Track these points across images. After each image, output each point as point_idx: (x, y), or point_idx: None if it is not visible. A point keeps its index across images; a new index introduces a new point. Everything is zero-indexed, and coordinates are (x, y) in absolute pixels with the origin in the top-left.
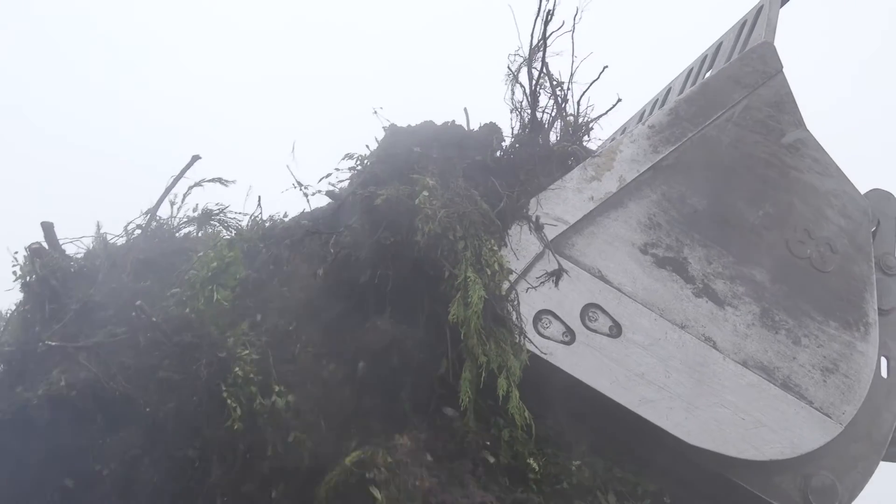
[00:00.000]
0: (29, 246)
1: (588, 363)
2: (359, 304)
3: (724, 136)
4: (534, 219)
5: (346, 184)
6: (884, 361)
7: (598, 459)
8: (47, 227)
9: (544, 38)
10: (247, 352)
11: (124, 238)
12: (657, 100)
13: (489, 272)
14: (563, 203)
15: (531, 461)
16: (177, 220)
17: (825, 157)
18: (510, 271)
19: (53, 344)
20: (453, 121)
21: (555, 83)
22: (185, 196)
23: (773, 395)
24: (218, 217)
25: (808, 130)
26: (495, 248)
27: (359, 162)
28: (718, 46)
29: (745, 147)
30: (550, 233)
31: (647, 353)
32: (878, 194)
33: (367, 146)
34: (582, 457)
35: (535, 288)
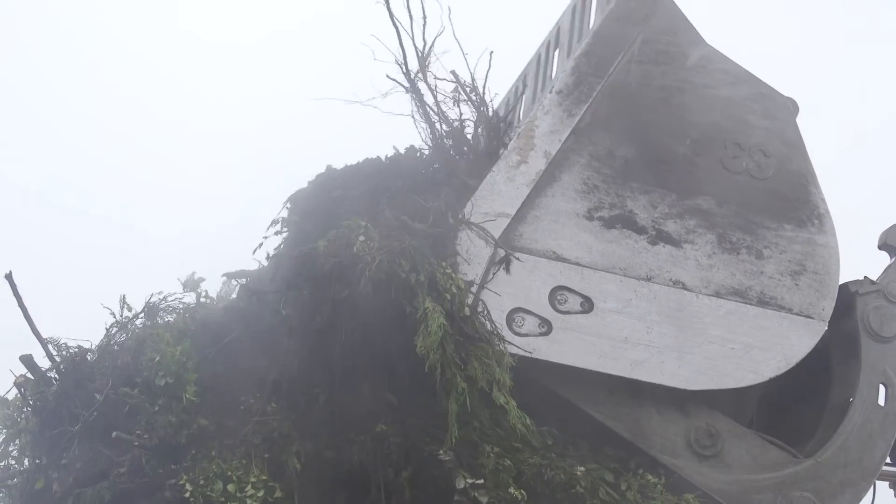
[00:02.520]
0: (15, 381)
1: (571, 346)
2: (341, 378)
3: (631, 77)
4: (474, 223)
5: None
6: (882, 389)
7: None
8: (27, 361)
9: (424, 44)
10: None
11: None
12: (548, 41)
13: (448, 296)
14: (498, 197)
15: (513, 490)
16: (131, 323)
17: (733, 66)
18: (469, 288)
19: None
20: (377, 156)
21: (462, 84)
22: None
23: (753, 316)
24: (164, 307)
25: (708, 45)
26: (448, 269)
27: (283, 225)
28: None
29: (654, 81)
30: (495, 230)
31: (624, 316)
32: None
33: (287, 206)
34: (584, 461)
35: (498, 294)
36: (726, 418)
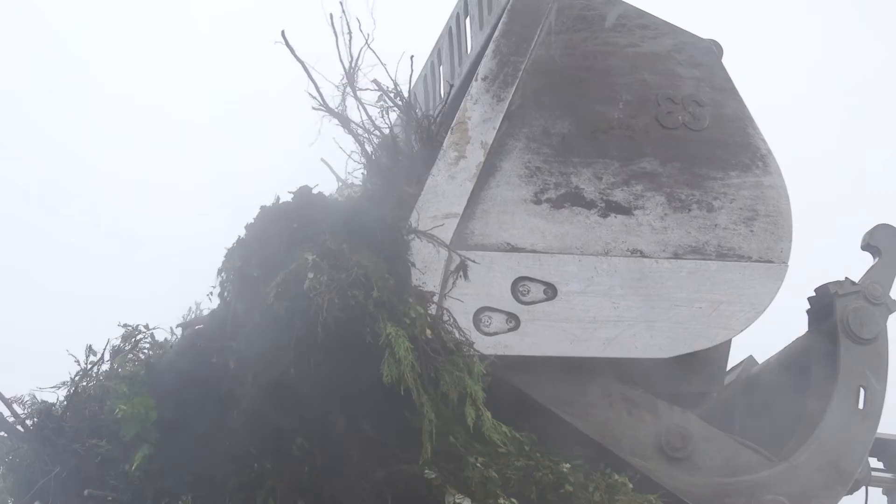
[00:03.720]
0: None
1: (542, 336)
2: (312, 417)
3: (553, 49)
4: (423, 231)
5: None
6: (861, 392)
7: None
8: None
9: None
10: None
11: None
12: (457, 12)
13: (408, 321)
14: (443, 198)
15: (503, 501)
16: (96, 369)
17: (651, 20)
18: (427, 306)
19: None
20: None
21: (386, 91)
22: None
23: (714, 271)
24: (128, 348)
25: (623, 2)
26: (406, 297)
27: (227, 273)
28: None
29: (577, 50)
30: (446, 233)
31: (588, 295)
32: (885, 230)
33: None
34: (571, 458)
35: (460, 300)
36: (699, 420)
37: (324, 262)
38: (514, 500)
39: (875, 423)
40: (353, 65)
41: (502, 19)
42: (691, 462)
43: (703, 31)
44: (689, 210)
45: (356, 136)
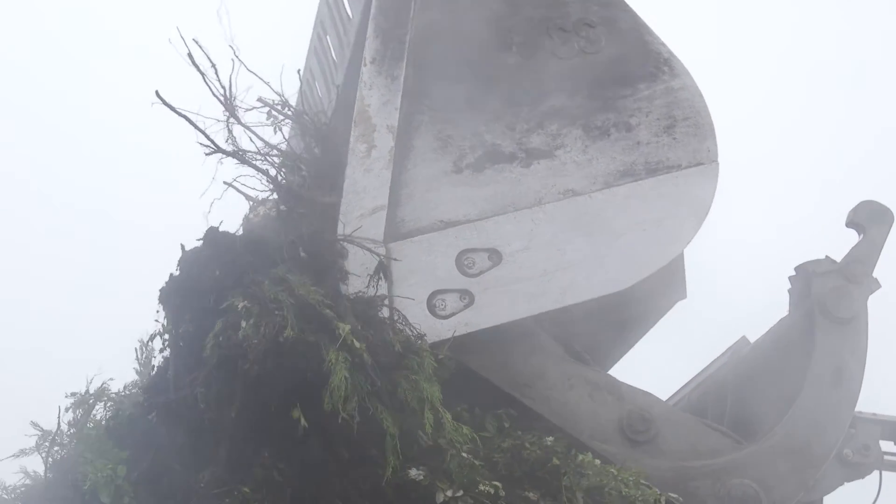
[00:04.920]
0: None
1: (499, 303)
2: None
3: (433, 11)
4: (351, 236)
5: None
6: (838, 373)
7: None
8: None
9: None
10: None
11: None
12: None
13: (349, 340)
14: (364, 194)
15: (484, 486)
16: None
17: None
18: (358, 326)
19: None
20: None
21: (273, 106)
22: None
23: (649, 189)
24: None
25: None
26: (341, 322)
27: (164, 336)
28: None
29: (457, 5)
30: (376, 229)
31: (532, 250)
32: (868, 206)
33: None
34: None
35: (409, 298)
36: (663, 402)
37: (255, 306)
38: (497, 483)
39: (852, 405)
40: (228, 95)
41: None
42: (654, 445)
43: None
44: (609, 135)
45: (255, 167)
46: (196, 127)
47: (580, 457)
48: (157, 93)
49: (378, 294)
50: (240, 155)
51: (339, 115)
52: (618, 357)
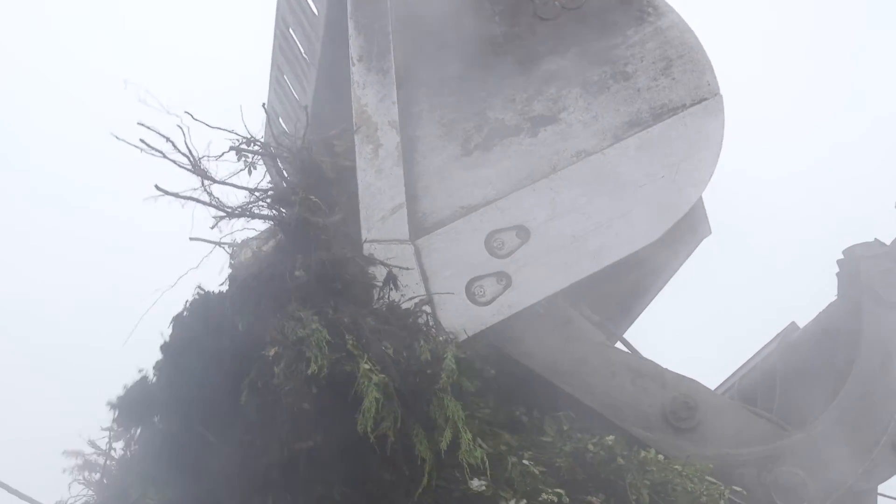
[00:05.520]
0: None
1: (537, 278)
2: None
3: None
4: (374, 239)
5: None
6: (887, 358)
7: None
8: None
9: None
10: None
11: None
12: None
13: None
14: (380, 195)
15: (547, 495)
16: None
17: None
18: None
19: None
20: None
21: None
22: None
23: (658, 135)
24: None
25: None
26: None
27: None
28: None
29: None
30: (399, 227)
31: (558, 219)
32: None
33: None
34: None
35: (448, 293)
36: (707, 389)
37: (283, 351)
38: (559, 490)
39: None
40: (193, 158)
41: None
42: (698, 433)
43: None
44: (608, 88)
45: (262, 216)
46: (205, 202)
47: (643, 453)
48: (156, 186)
49: (414, 296)
50: (247, 211)
51: (315, 126)
52: (646, 304)
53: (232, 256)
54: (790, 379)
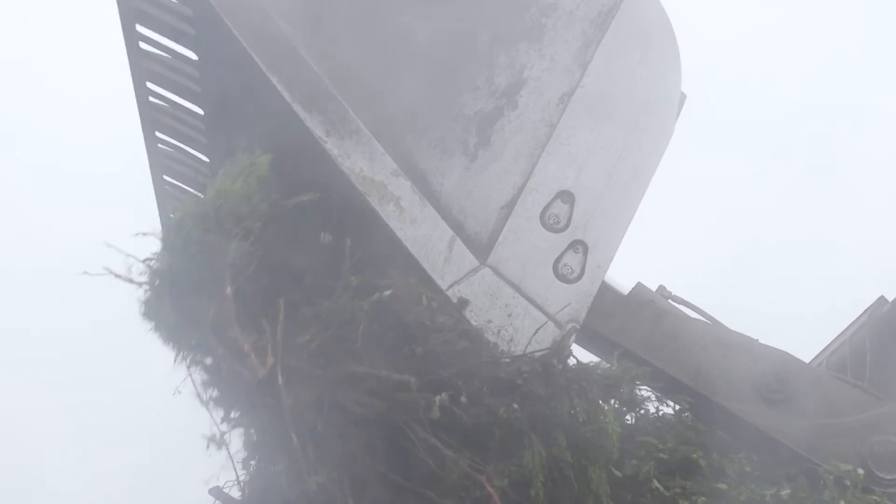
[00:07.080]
0: None
1: (606, 228)
2: None
3: (321, 39)
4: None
5: None
6: None
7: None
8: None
9: None
10: None
11: None
12: None
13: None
14: (430, 241)
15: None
16: None
17: None
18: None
19: None
20: None
21: None
22: None
23: (613, 42)
24: None
25: None
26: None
27: None
28: None
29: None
30: (464, 258)
31: (583, 168)
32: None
33: None
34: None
35: (546, 289)
36: (798, 359)
37: None
38: None
39: None
40: None
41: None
42: (792, 404)
43: None
44: (545, 27)
45: None
46: None
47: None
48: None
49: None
50: None
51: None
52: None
53: None
54: (880, 352)
